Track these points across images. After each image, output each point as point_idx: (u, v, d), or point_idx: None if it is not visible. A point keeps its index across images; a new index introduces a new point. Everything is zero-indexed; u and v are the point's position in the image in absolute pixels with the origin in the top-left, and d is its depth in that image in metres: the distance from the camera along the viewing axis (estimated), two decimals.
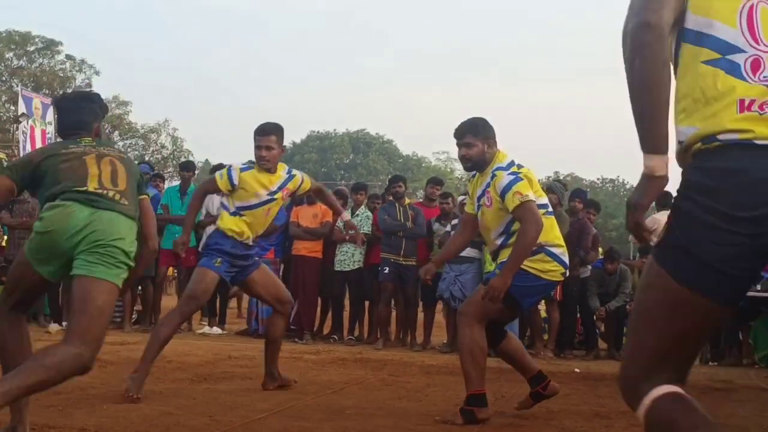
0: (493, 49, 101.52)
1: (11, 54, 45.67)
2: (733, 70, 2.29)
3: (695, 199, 2.25)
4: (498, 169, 5.24)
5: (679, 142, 2.36)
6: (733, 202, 2.18)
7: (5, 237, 13.59)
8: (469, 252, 10.39)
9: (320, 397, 5.85)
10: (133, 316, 12.17)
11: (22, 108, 21.41)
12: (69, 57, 46.46)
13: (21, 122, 21.24)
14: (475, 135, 5.37)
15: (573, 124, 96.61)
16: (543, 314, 10.86)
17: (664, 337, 2.34)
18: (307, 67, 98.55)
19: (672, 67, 2.37)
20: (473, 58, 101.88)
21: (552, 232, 5.31)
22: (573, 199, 11.06)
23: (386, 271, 10.59)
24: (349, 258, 11.09)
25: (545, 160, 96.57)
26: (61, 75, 46.22)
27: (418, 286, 11.03)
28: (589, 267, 10.62)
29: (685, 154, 2.34)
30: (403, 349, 10.58)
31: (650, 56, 2.28)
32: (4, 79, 45.57)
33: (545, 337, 10.74)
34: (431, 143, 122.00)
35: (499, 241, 5.29)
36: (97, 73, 47.02)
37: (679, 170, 2.40)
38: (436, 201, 11.94)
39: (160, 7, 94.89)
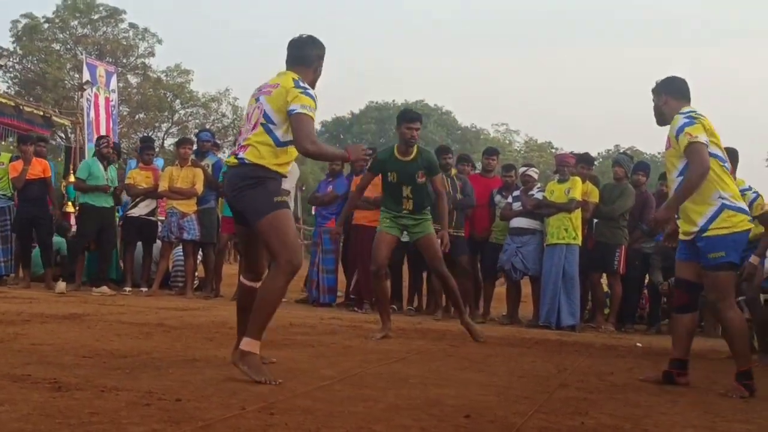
0: (552, 17, 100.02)
1: (76, 22, 46.11)
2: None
3: None
4: (678, 114, 5.66)
5: None
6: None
7: (70, 203, 13.83)
8: (530, 224, 10.36)
9: (383, 366, 5.84)
10: (195, 283, 12.30)
11: (86, 76, 21.62)
12: (132, 25, 46.77)
13: (85, 90, 21.45)
14: (655, 90, 5.90)
15: (632, 96, 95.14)
16: (605, 288, 10.74)
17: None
18: (364, 38, 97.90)
19: None
20: (529, 26, 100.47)
21: (731, 185, 5.60)
22: (636, 171, 10.88)
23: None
24: None
25: (605, 133, 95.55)
26: (125, 43, 46.59)
27: (476, 257, 11.05)
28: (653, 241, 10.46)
29: None
30: None
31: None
32: (69, 47, 46.06)
33: (606, 311, 10.63)
34: (490, 115, 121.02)
35: (678, 180, 5.59)
36: (159, 41, 47.28)
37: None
38: (492, 171, 11.85)
39: None
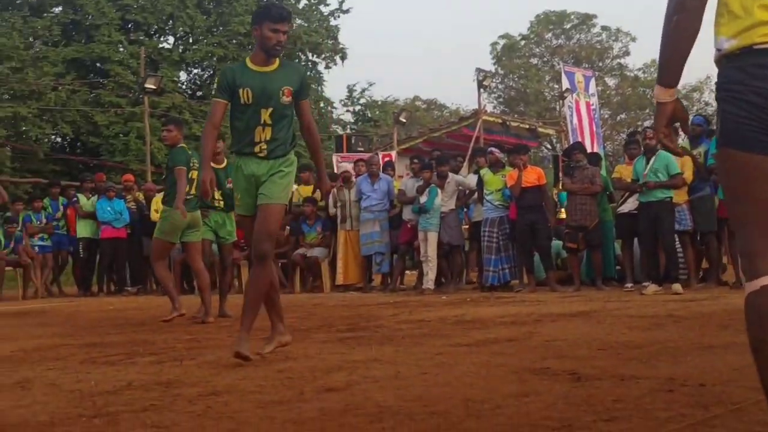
0: None
1: (549, 34, 47.56)
2: None
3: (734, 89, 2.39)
4: None
5: (718, 50, 2.46)
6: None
7: (563, 209, 14.15)
8: None
9: None
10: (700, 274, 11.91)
11: (565, 84, 22.15)
12: (604, 28, 47.16)
13: (566, 98, 21.97)
14: None
15: None
16: None
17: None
18: None
19: None
20: None
21: None
22: None
23: None
24: None
25: None
26: (598, 47, 47.08)
27: None
28: None
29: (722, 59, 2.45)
30: None
31: (693, 16, 2.50)
32: (545, 59, 47.63)
33: None
34: None
35: None
36: (633, 39, 47.12)
37: None
38: None
39: None
